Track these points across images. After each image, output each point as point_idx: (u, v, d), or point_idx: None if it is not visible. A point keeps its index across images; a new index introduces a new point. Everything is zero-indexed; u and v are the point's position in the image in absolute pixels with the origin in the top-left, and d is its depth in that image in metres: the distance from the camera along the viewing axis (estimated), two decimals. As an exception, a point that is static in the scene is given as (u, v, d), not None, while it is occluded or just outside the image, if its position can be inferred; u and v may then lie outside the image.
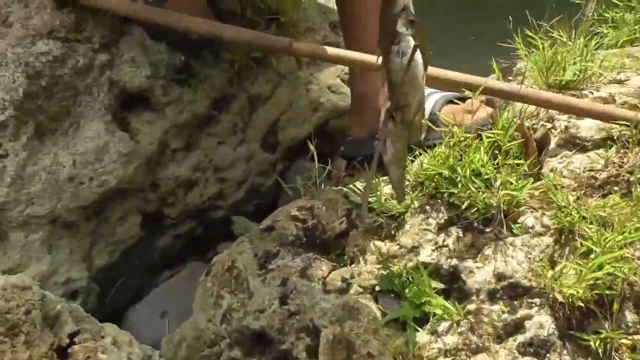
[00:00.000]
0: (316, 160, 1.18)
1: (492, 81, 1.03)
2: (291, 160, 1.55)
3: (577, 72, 1.13)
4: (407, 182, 1.02)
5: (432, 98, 1.12)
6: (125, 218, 1.26)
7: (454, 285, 0.85)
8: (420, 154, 1.01)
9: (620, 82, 1.23)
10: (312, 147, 1.18)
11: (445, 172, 0.91)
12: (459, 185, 0.90)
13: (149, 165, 1.25)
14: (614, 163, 0.91)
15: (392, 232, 0.95)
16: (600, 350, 0.75)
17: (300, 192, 1.15)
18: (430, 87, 1.16)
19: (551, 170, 0.95)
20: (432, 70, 1.01)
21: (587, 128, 1.00)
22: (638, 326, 0.77)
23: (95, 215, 1.20)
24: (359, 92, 1.22)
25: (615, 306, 0.77)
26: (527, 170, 0.96)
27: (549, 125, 1.05)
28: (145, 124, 1.25)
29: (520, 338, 0.79)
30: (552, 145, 1.01)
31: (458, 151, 0.95)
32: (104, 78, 1.19)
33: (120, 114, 1.23)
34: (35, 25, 1.15)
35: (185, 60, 1.27)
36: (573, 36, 1.25)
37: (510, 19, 1.23)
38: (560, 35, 1.27)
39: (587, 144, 0.99)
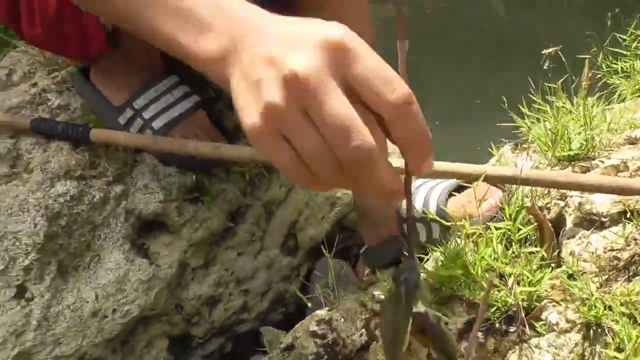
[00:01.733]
0: (331, 269, 1.16)
1: (492, 168, 1.01)
2: (314, 260, 1.54)
3: (584, 142, 1.10)
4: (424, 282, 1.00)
5: (435, 192, 1.10)
6: (152, 344, 1.26)
7: (481, 398, 0.79)
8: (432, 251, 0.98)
9: (634, 141, 1.19)
10: (326, 253, 1.18)
11: (458, 273, 0.87)
12: (474, 285, 0.86)
13: (170, 288, 1.26)
14: (635, 240, 0.86)
15: (413, 340, 0.91)
16: None
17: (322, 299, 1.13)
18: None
19: (570, 254, 0.90)
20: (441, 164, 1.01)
21: (602, 203, 0.96)
22: None
23: (121, 346, 1.20)
24: (363, 207, 1.23)
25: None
26: (545, 257, 0.91)
27: (562, 204, 1.01)
28: (163, 246, 1.27)
29: None
30: (569, 225, 0.97)
31: (470, 247, 0.92)
32: (120, 208, 1.24)
33: (139, 241, 1.26)
34: (52, 168, 1.22)
35: (197, 179, 1.30)
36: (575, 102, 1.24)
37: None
38: (563, 103, 1.25)
39: (604, 219, 0.94)
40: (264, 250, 1.40)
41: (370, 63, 0.41)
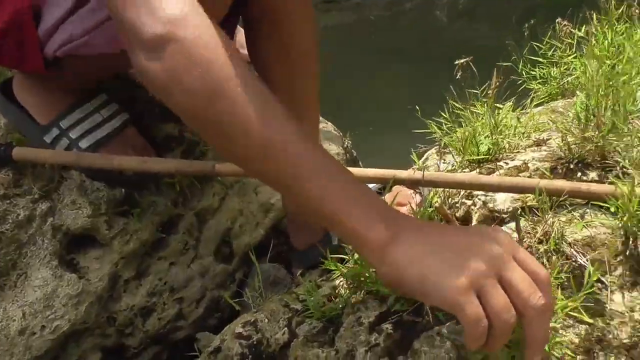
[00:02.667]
0: (259, 273, 1.20)
1: (401, 172, 1.07)
2: (250, 266, 1.57)
3: (491, 146, 1.18)
4: (341, 282, 1.05)
5: None
6: (85, 358, 1.26)
7: (390, 385, 0.85)
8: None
9: (540, 143, 1.28)
10: (254, 259, 1.22)
11: (372, 271, 0.93)
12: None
13: (101, 301, 1.27)
14: (529, 233, 0.94)
15: (331, 336, 0.96)
16: None
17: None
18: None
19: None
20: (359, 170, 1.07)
21: (503, 201, 1.04)
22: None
23: (52, 362, 1.20)
24: (291, 212, 1.28)
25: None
26: (451, 252, 0.98)
27: (469, 202, 1.09)
28: (93, 260, 1.28)
29: None
30: (474, 222, 1.05)
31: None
32: (46, 225, 1.24)
33: (67, 256, 1.27)
34: (-26, 191, 1.21)
35: (126, 193, 1.32)
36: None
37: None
38: (476, 109, 1.34)
39: (504, 216, 1.02)
40: (198, 258, 1.43)
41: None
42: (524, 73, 1.79)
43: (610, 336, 0.81)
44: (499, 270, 0.58)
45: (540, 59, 1.82)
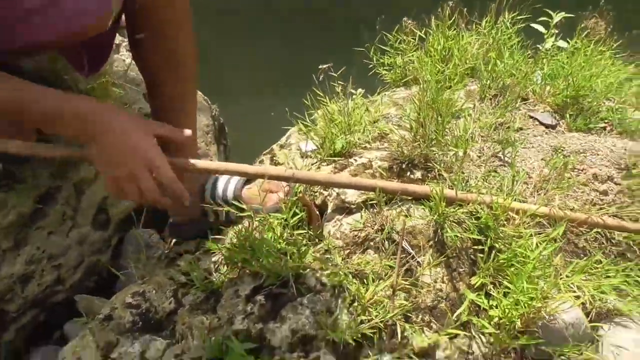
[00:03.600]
0: (142, 245, 1.36)
1: (271, 168, 1.29)
2: (125, 231, 1.69)
3: (345, 144, 1.44)
4: (221, 258, 1.26)
5: (233, 181, 1.35)
6: (-36, 325, 1.32)
7: (263, 344, 1.09)
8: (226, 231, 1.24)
9: (383, 137, 1.58)
10: (134, 230, 1.36)
11: (247, 252, 1.15)
12: (260, 261, 1.15)
13: (-20, 271, 1.32)
14: (369, 224, 1.23)
15: (213, 305, 1.17)
16: (365, 374, 1.05)
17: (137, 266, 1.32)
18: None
19: (328, 233, 1.24)
20: (224, 164, 1.25)
21: (352, 194, 1.31)
22: (396, 345, 1.09)
23: None
24: None
25: (376, 338, 1.07)
26: (312, 235, 1.24)
27: (326, 193, 1.34)
28: (-29, 233, 1.31)
29: (313, 375, 1.06)
30: (329, 210, 1.31)
31: (256, 230, 1.20)
32: None
33: (-57, 229, 1.28)
34: None
35: (5, 168, 1.35)
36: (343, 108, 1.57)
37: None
38: (332, 109, 1.58)
39: (352, 207, 1.29)
40: (76, 227, 1.52)
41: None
42: (374, 60, 2.09)
43: (420, 300, 1.14)
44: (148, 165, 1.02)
45: (388, 49, 2.12)
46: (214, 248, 1.22)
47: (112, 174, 1.02)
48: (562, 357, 1.13)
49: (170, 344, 1.14)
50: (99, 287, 1.59)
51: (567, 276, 1.16)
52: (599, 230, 1.34)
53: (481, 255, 1.20)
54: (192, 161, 1.17)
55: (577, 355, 1.13)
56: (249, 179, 1.38)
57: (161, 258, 1.45)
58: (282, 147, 1.74)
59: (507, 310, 1.09)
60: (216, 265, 1.25)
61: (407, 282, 1.12)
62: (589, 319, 1.17)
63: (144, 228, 1.70)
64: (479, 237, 1.21)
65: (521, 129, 1.68)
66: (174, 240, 1.57)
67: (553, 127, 1.73)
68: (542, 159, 1.51)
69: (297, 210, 1.26)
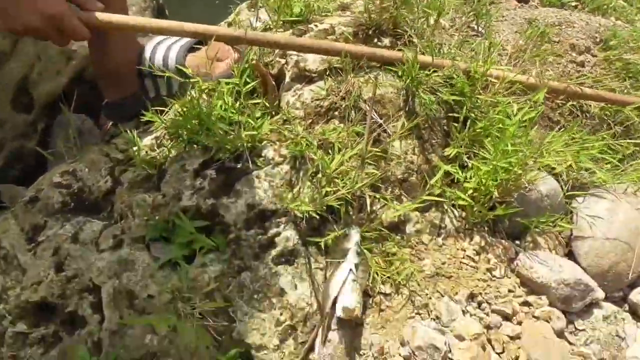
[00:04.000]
0: (72, 122, 1.18)
1: (223, 29, 1.11)
2: (54, 116, 1.49)
3: (303, 8, 1.27)
4: (165, 133, 1.10)
5: (174, 49, 1.17)
6: None
7: (215, 221, 0.97)
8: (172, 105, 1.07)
9: (345, 7, 1.41)
10: (64, 108, 1.18)
11: (194, 123, 0.99)
12: (208, 132, 1.00)
13: None
14: (333, 91, 1.09)
15: (156, 183, 1.03)
16: (330, 248, 0.95)
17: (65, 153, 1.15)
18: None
19: (287, 104, 1.09)
20: (155, 21, 1.06)
21: (313, 61, 1.15)
22: (364, 218, 0.99)
23: None
24: (99, 62, 1.22)
25: (343, 211, 0.97)
26: (267, 106, 1.09)
27: (283, 61, 1.18)
28: None
29: (274, 252, 0.95)
30: (287, 79, 1.16)
31: (204, 100, 1.04)
32: None
33: None
34: None
35: None
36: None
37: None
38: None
39: (314, 75, 1.14)
40: (-8, 108, 1.31)
41: None
42: None
43: (390, 173, 1.04)
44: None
45: None
46: (156, 121, 1.06)
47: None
48: (537, 230, 1.07)
49: (108, 225, 1.00)
50: (26, 177, 1.40)
51: (544, 146, 1.07)
52: (574, 102, 1.26)
53: (455, 124, 1.10)
54: (105, 15, 0.98)
55: (551, 227, 1.07)
56: (193, 46, 1.20)
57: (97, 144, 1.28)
58: (230, 24, 1.54)
59: (483, 180, 1.01)
60: (159, 141, 1.09)
61: (377, 150, 1.00)
62: (564, 191, 1.11)
63: (76, 113, 1.50)
64: (454, 105, 1.10)
65: (493, 2, 1.55)
66: (110, 123, 1.39)
67: (526, 1, 1.60)
68: (516, 32, 1.40)
69: (248, 79, 1.11)
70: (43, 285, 0.93)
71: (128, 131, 1.10)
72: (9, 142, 1.35)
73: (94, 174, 1.06)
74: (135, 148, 1.06)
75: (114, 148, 1.11)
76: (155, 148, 1.09)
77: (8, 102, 1.34)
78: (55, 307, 0.94)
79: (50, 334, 0.93)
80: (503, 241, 1.04)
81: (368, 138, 0.98)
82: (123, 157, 1.09)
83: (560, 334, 0.93)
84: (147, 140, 1.10)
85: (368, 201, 0.97)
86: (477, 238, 1.03)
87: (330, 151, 1.00)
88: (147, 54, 1.19)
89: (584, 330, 0.96)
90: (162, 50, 1.19)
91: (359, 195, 0.97)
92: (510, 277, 0.99)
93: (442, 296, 0.93)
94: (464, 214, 1.06)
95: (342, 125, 1.04)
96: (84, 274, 0.94)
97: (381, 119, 1.07)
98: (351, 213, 0.98)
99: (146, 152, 1.07)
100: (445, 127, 1.12)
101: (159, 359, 0.90)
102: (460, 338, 0.86)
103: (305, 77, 1.15)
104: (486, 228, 1.06)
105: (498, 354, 0.87)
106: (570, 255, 1.07)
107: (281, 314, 0.92)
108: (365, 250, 0.94)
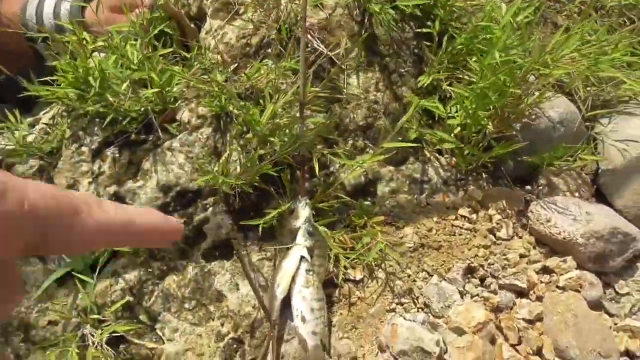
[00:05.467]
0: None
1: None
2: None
3: None
4: (63, 108, 0.86)
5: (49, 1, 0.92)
6: None
7: (123, 214, 0.74)
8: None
9: None
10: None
11: (73, 90, 0.75)
12: (101, 97, 0.76)
13: None
14: (263, 23, 0.83)
15: (51, 174, 0.80)
16: (277, 230, 0.71)
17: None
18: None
19: (207, 48, 0.84)
20: None
21: (237, -12, 0.89)
22: (317, 184, 0.75)
23: None
24: None
25: (285, 180, 0.73)
26: (185, 56, 0.84)
27: (201, -3, 0.92)
28: None
29: (203, 245, 0.72)
30: (208, 19, 0.90)
31: (98, 58, 0.79)
32: None
33: None
34: None
35: None
36: None
37: None
38: None
39: (239, 7, 0.88)
40: None
41: None
42: None
43: (347, 120, 0.79)
44: None
45: None
46: (42, 93, 0.82)
47: None
48: (552, 168, 0.82)
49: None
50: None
51: (550, 54, 0.80)
52: (584, -1, 0.98)
53: (428, 44, 0.83)
54: None
55: (569, 162, 0.82)
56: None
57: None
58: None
59: (471, 111, 0.75)
60: (54, 121, 0.85)
61: (325, 90, 0.75)
62: (582, 113, 0.85)
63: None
64: (424, 19, 0.84)
65: None
66: None
67: None
68: None
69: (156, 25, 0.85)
70: None
71: (11, 114, 0.86)
72: None
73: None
74: (23, 133, 0.83)
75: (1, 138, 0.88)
76: (50, 130, 0.85)
77: None
78: None
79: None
80: (507, 189, 0.79)
81: (305, 73, 0.73)
82: (13, 147, 0.85)
83: (596, 305, 0.68)
84: (40, 123, 0.87)
85: (316, 162, 0.72)
86: (472, 190, 0.78)
87: (261, 102, 0.75)
88: (32, 7, 0.94)
89: (628, 294, 0.71)
90: (51, 1, 0.94)
91: (305, 154, 0.73)
92: (521, 237, 0.74)
93: (430, 275, 0.69)
94: (452, 160, 0.81)
95: (272, 65, 0.78)
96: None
97: (331, 52, 0.81)
98: (298, 179, 0.74)
99: (40, 136, 0.84)
100: (415, 50, 0.86)
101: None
102: (459, 331, 0.63)
103: (229, 12, 0.89)
104: (483, 175, 0.81)
105: (513, 346, 0.63)
106: (599, 196, 0.81)
107: (222, 325, 0.70)
108: (320, 228, 0.70)
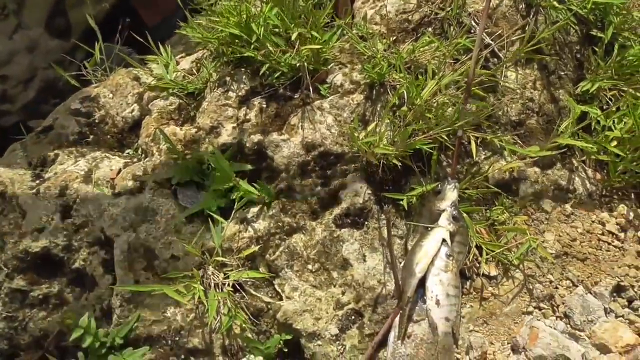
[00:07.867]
0: (101, 41, 0.98)
1: None
2: (93, 46, 1.30)
3: None
4: (208, 53, 0.87)
5: None
6: None
7: (261, 164, 0.74)
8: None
9: None
10: (98, 34, 0.98)
11: (236, 32, 0.75)
12: (258, 45, 0.76)
13: None
14: (429, 0, 0.81)
15: (192, 114, 0.80)
16: (416, 208, 0.69)
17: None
18: None
19: (363, 18, 0.83)
20: None
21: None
22: (462, 170, 0.73)
23: None
24: None
25: (434, 157, 0.71)
26: (338, 20, 0.83)
27: (361, -34, 0.91)
28: None
29: (337, 210, 0.71)
30: (365, -11, 0.89)
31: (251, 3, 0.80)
32: None
33: None
34: None
35: None
36: None
37: None
38: None
39: (401, -18, 0.87)
40: (23, 28, 1.13)
41: None
42: None
43: (500, 113, 0.76)
44: None
45: None
46: (195, 34, 0.83)
47: None
48: None
49: (129, 164, 0.79)
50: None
51: None
52: None
53: (596, 49, 0.79)
54: None
55: None
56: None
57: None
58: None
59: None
60: (199, 64, 0.86)
61: (486, 78, 0.72)
62: None
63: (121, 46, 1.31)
64: (595, 23, 0.80)
65: None
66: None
67: None
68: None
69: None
70: (45, 233, 0.74)
71: (163, 51, 0.88)
72: (40, 71, 1.17)
73: (119, 100, 0.85)
74: (169, 68, 0.84)
75: (147, 71, 0.89)
76: (195, 72, 0.86)
77: (42, 22, 1.16)
78: (59, 261, 0.74)
79: (54, 294, 0.74)
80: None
81: (477, 57, 0.70)
82: (154, 83, 0.87)
83: None
84: (186, 63, 0.88)
85: (473, 147, 0.70)
86: (621, 208, 0.74)
87: (420, 76, 0.73)
88: None
89: None
90: None
91: (462, 136, 0.70)
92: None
93: (575, 285, 0.65)
94: (596, 175, 0.77)
95: (437, 44, 0.76)
96: (94, 222, 0.73)
97: (492, 41, 0.78)
98: (443, 163, 0.72)
99: (183, 75, 0.85)
100: (577, 55, 0.82)
101: (183, 339, 0.69)
102: (604, 349, 0.59)
103: (389, -14, 0.87)
104: (632, 195, 0.76)
105: (660, 377, 0.59)
106: None
107: (342, 294, 0.68)
108: (465, 215, 0.68)
